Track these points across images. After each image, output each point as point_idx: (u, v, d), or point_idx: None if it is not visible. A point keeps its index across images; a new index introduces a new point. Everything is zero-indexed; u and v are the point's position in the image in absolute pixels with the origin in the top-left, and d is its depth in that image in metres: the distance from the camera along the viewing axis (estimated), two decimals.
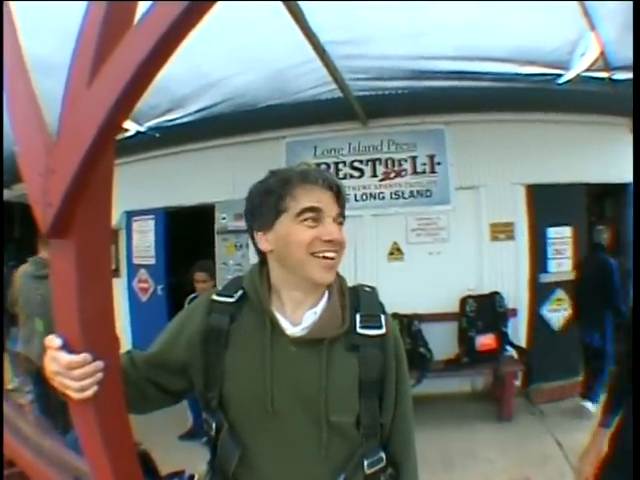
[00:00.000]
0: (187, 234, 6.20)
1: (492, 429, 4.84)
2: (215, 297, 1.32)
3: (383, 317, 1.32)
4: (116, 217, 6.61)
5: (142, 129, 5.27)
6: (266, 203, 1.24)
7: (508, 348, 5.35)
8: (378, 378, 1.28)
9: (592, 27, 3.65)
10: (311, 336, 1.25)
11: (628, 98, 5.17)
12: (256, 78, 4.18)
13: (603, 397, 1.65)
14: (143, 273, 6.47)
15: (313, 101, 4.73)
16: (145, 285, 6.45)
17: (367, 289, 1.39)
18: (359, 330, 1.27)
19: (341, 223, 1.27)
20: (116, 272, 6.62)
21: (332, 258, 1.24)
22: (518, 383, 5.32)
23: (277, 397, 1.21)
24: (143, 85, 0.75)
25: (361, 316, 1.29)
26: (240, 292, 1.31)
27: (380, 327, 1.29)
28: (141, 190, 6.33)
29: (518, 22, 3.62)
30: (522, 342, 5.54)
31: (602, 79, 4.57)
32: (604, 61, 4.15)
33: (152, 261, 6.42)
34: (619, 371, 1.64)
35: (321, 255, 1.23)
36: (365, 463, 1.26)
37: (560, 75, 4.50)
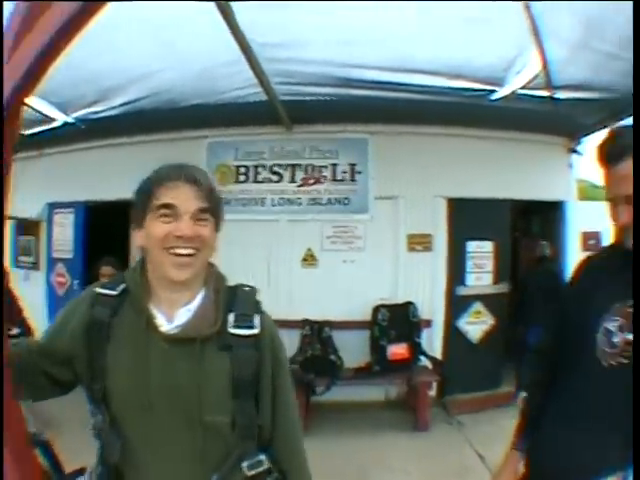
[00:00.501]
0: (105, 229, 6.09)
1: (408, 439, 4.83)
2: (99, 290, 1.32)
3: (258, 317, 1.31)
4: (39, 209, 6.50)
5: (69, 119, 5.23)
6: (139, 201, 1.27)
7: (422, 358, 5.41)
8: (253, 379, 1.28)
9: (539, 44, 3.76)
10: (183, 334, 1.24)
11: (567, 117, 5.37)
12: (182, 75, 4.21)
13: (516, 420, 1.70)
14: (61, 267, 6.36)
15: (238, 103, 4.75)
16: (62, 279, 6.33)
17: (246, 288, 1.38)
18: (231, 330, 1.27)
19: (204, 219, 1.26)
20: (35, 265, 6.48)
21: (184, 255, 1.24)
22: (433, 393, 5.37)
23: (153, 394, 1.21)
24: (39, 73, 0.87)
25: (235, 315, 1.29)
26: (122, 286, 1.31)
27: (252, 327, 1.29)
28: (64, 182, 6.26)
29: (452, 36, 3.69)
30: (438, 353, 5.62)
31: (543, 97, 4.68)
32: (547, 79, 4.25)
33: (70, 255, 6.30)
34: (530, 398, 1.67)
35: (172, 251, 1.23)
36: (244, 465, 1.26)
37: (494, 91, 4.60)
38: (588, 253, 1.74)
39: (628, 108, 4.92)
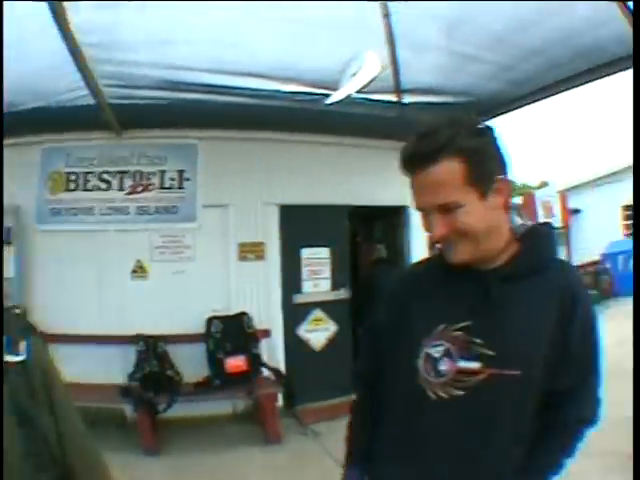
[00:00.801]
0: None
1: (262, 453, 5.41)
2: None
3: (25, 342, 1.42)
4: None
5: None
6: None
7: (264, 370, 6.27)
8: (27, 405, 1.41)
9: (391, 46, 4.30)
10: None
11: (413, 122, 6.26)
12: (12, 78, 4.30)
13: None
14: None
15: (69, 106, 5.14)
16: None
17: (17, 310, 1.58)
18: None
19: None
20: None
21: None
22: (280, 404, 6.18)
23: None
24: None
25: (5, 340, 1.40)
26: None
27: (17, 354, 1.40)
28: None
29: (283, 38, 4.25)
30: (281, 363, 6.57)
31: (387, 102, 5.34)
32: (396, 82, 4.77)
33: None
34: (355, 424, 1.79)
35: None
36: None
37: (328, 95, 5.23)
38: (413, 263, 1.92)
39: (487, 111, 5.86)
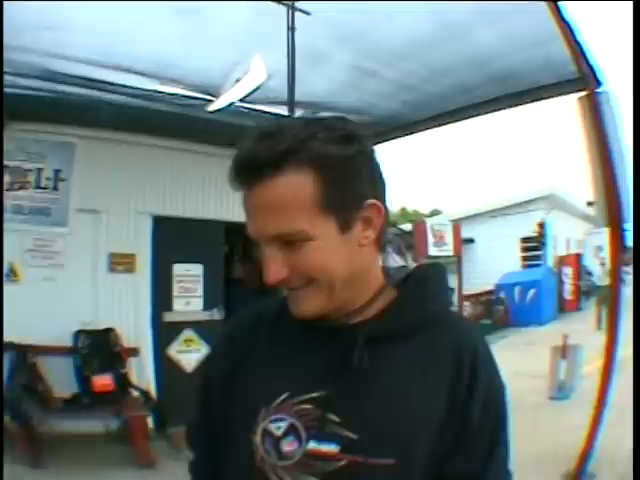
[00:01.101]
0: None
1: (134, 476, 5.81)
2: None
3: None
4: None
5: None
6: None
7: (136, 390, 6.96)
8: None
9: (291, 53, 4.56)
10: None
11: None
12: None
13: None
14: None
15: None
16: None
17: None
18: None
19: None
20: None
21: None
22: (151, 426, 6.83)
23: None
24: None
25: None
26: None
27: None
28: None
29: (170, 35, 4.56)
30: (151, 384, 7.27)
31: (271, 114, 5.85)
32: (290, 95, 4.89)
33: None
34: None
35: None
36: None
37: (210, 101, 5.80)
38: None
39: (383, 133, 6.47)
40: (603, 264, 18.36)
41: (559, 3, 4.45)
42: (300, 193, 1.15)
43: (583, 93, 5.27)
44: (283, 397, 1.25)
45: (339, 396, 1.22)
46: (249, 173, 1.17)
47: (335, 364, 1.25)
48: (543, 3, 4.43)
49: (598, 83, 5.17)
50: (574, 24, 4.62)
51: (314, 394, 1.23)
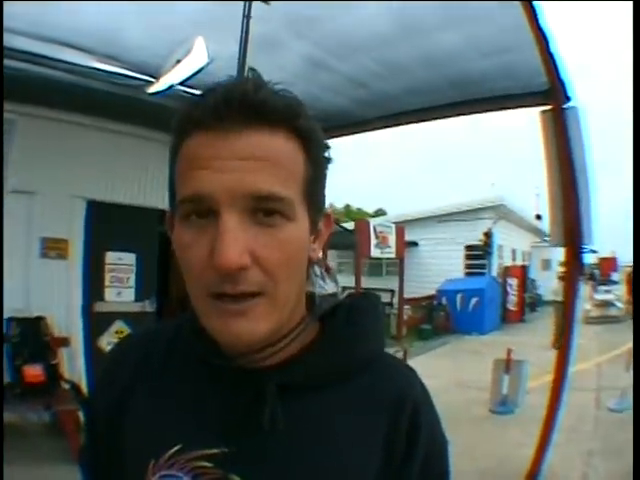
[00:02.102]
0: None
1: (66, 470, 5.59)
2: None
3: None
4: None
5: None
6: None
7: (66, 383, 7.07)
8: None
9: (243, 41, 4.59)
10: None
11: None
12: None
13: None
14: None
15: None
16: None
17: None
18: None
19: None
20: None
21: None
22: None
23: None
24: None
25: None
26: None
27: None
28: None
29: (113, 9, 4.55)
30: (81, 376, 7.44)
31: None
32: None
33: None
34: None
35: None
36: None
37: (150, 82, 5.78)
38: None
39: (329, 129, 6.20)
40: (562, 278, 18.97)
41: (537, 10, 4.48)
42: (296, 162, 1.02)
43: (548, 107, 5.40)
44: (175, 449, 1.07)
45: (243, 455, 1.05)
46: (243, 112, 0.96)
47: (239, 416, 1.07)
48: (516, 10, 4.43)
49: (567, 98, 5.26)
50: (549, 33, 4.68)
51: (212, 450, 1.06)
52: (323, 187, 1.12)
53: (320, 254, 1.15)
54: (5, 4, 4.49)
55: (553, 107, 5.36)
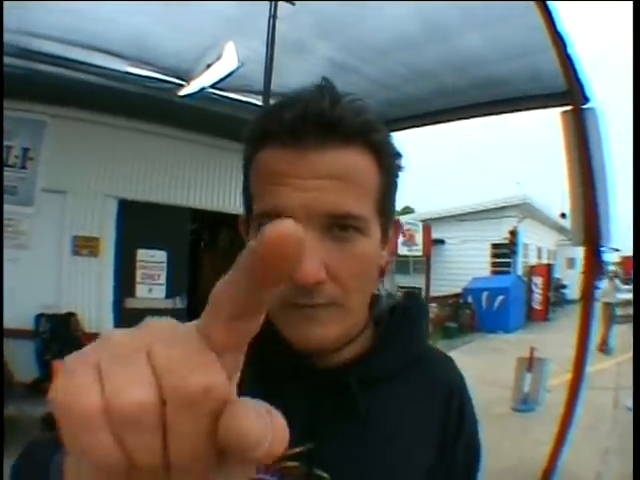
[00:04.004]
0: None
1: None
2: None
3: None
4: None
5: None
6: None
7: None
8: None
9: (270, 45, 4.66)
10: None
11: None
12: None
13: None
14: None
15: None
16: None
17: None
18: None
19: None
20: None
21: None
22: None
23: None
24: None
25: None
26: None
27: None
28: None
29: (143, 15, 4.71)
30: None
31: (252, 104, 5.94)
32: (266, 85, 4.87)
33: None
34: None
35: None
36: None
37: (182, 85, 5.94)
38: None
39: None
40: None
41: (553, 12, 4.44)
42: (371, 176, 1.00)
43: (568, 107, 5.30)
44: None
45: (328, 449, 1.04)
46: (321, 130, 0.94)
47: (323, 411, 1.06)
48: (536, 12, 4.42)
49: (585, 99, 5.19)
50: (566, 35, 4.64)
51: (298, 448, 1.00)
52: (395, 197, 1.11)
53: (388, 259, 1.13)
54: (39, 11, 4.61)
55: (572, 108, 5.28)
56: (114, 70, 5.79)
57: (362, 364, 1.09)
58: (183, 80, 5.98)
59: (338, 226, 0.95)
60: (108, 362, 0.41)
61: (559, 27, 4.57)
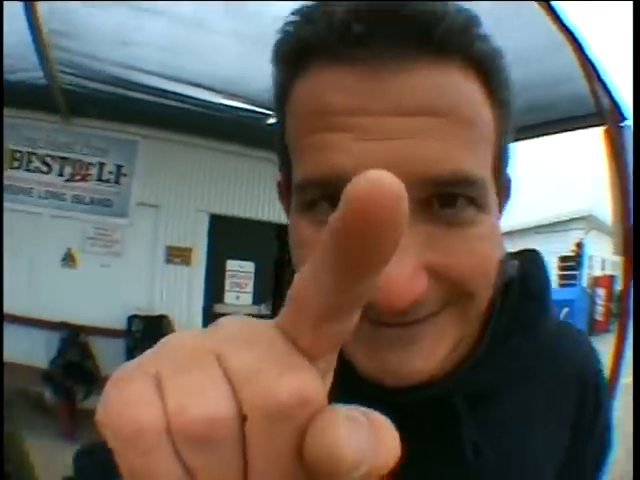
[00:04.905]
0: None
1: None
2: None
3: None
4: None
5: None
6: None
7: None
8: None
9: None
10: None
11: None
12: None
13: None
14: None
15: (25, 85, 5.87)
16: None
17: None
18: None
19: None
20: None
21: None
22: None
23: None
24: None
25: None
26: None
27: None
28: None
29: (236, 52, 4.92)
30: None
31: None
32: None
33: None
34: None
35: None
36: None
37: (269, 115, 6.02)
38: None
39: None
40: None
41: (582, 43, 4.42)
42: (484, 110, 0.65)
43: (607, 126, 5.37)
44: None
45: None
46: (398, 33, 0.57)
47: (427, 447, 0.73)
48: (568, 47, 4.39)
49: (622, 117, 5.30)
50: (597, 62, 4.70)
51: None
52: (511, 129, 0.73)
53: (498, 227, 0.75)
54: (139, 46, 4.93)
55: (611, 126, 5.35)
56: (208, 102, 6.16)
57: (469, 373, 0.76)
58: (272, 110, 6.05)
59: (443, 197, 0.60)
60: (170, 370, 0.34)
61: (590, 57, 4.61)
